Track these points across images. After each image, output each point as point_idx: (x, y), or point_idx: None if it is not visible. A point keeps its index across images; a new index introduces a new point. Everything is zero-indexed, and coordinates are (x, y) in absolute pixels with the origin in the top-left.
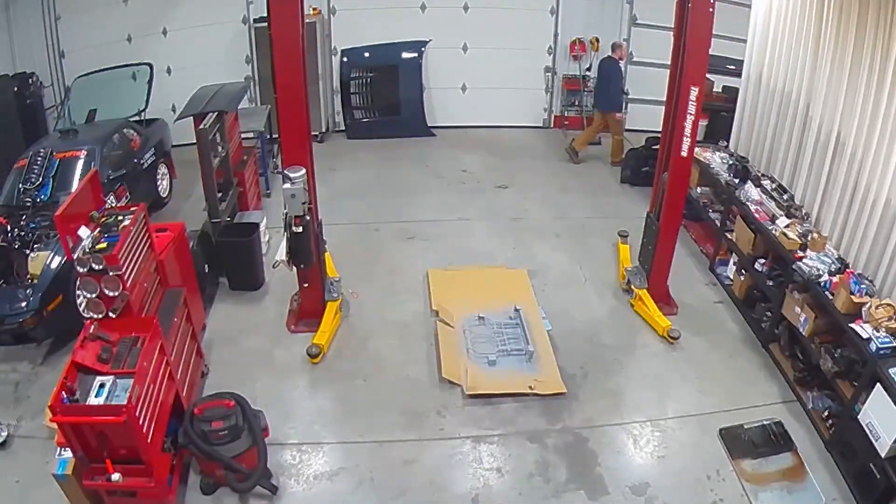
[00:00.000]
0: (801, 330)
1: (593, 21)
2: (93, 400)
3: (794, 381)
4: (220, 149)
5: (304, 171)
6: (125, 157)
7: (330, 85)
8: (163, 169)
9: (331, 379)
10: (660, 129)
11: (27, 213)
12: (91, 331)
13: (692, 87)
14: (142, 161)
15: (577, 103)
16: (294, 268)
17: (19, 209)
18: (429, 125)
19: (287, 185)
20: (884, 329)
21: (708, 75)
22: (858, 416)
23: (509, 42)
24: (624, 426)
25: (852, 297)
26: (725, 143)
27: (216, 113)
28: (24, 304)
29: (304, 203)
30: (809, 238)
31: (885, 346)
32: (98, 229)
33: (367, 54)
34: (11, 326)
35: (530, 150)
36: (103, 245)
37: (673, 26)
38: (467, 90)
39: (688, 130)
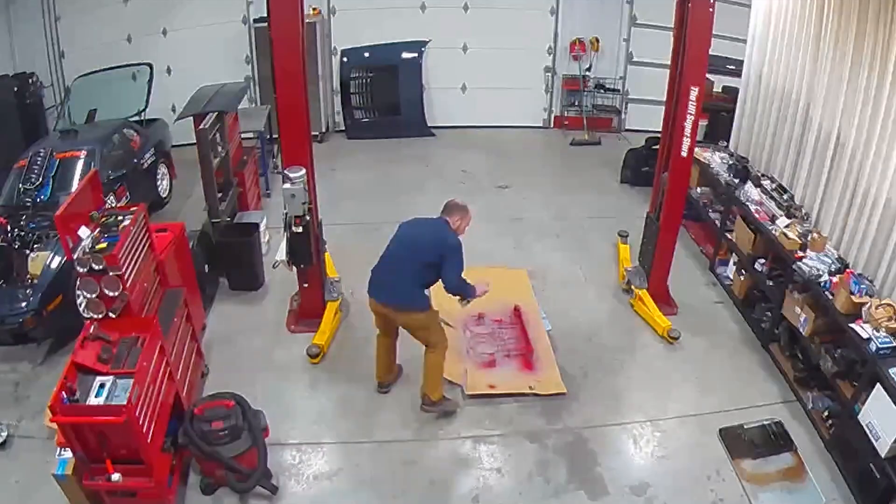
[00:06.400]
0: (801, 330)
1: (593, 21)
2: (93, 400)
3: (794, 381)
4: (220, 149)
5: (304, 171)
6: (125, 157)
7: (330, 85)
8: (163, 169)
9: (331, 379)
10: (660, 129)
11: (27, 213)
12: (91, 331)
13: (692, 87)
14: (142, 161)
15: (577, 103)
16: (294, 268)
17: (19, 209)
18: (429, 125)
19: (287, 185)
20: (884, 329)
21: (708, 75)
22: (858, 416)
23: (509, 42)
24: (624, 426)
25: (852, 297)
26: (725, 143)
27: (216, 113)
28: (24, 304)
29: (304, 203)
30: (809, 238)
31: (885, 346)
32: (98, 229)
33: (366, 54)
34: (11, 326)
35: (530, 150)
36: (103, 245)
37: (673, 26)
38: (467, 90)
39: (688, 130)
